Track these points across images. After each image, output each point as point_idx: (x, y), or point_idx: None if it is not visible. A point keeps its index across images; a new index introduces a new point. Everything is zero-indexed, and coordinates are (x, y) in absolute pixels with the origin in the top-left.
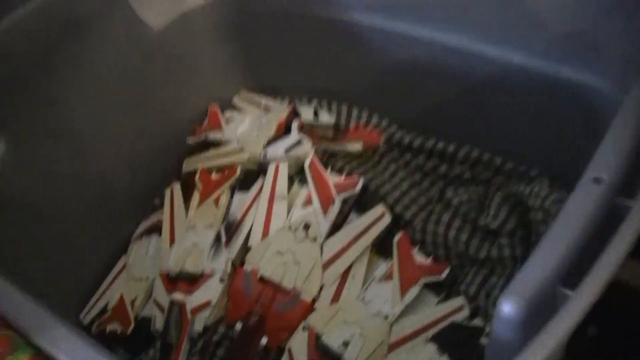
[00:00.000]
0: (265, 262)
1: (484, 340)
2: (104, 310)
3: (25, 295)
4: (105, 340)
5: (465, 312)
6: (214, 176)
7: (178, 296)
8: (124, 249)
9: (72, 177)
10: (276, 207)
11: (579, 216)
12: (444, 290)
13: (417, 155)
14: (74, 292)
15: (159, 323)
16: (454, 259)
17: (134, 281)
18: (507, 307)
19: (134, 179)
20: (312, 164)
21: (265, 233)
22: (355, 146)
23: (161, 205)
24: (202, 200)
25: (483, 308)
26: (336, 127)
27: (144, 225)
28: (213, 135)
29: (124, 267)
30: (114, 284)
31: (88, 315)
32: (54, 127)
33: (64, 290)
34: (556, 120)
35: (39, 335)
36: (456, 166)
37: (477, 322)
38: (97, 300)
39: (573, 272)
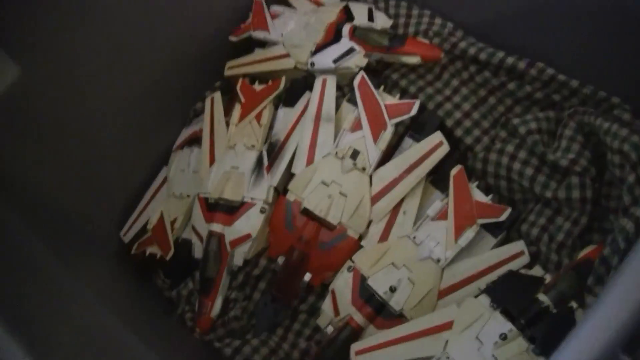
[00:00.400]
0: (309, 193)
1: (541, 297)
2: (144, 229)
3: None
4: (145, 262)
5: (525, 259)
6: (257, 87)
7: (217, 228)
8: (165, 160)
9: (106, 80)
10: (322, 130)
11: None
12: (502, 231)
13: (483, 70)
14: (115, 206)
15: (197, 252)
16: (517, 193)
17: (174, 198)
18: None
19: (174, 80)
20: (361, 83)
21: (310, 159)
22: (413, 59)
23: (203, 110)
24: (243, 115)
25: (544, 254)
26: (392, 35)
27: (185, 133)
28: (257, 34)
29: (164, 180)
30: (155, 198)
31: (128, 233)
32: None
33: (104, 206)
34: None
35: None
36: (526, 84)
37: (537, 270)
38: (138, 216)
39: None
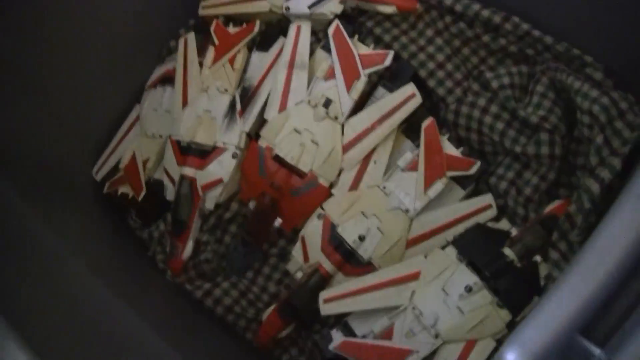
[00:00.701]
0: (281, 140)
1: (507, 251)
2: (116, 168)
3: None
4: (117, 201)
5: (493, 212)
6: (231, 30)
7: (189, 171)
8: (138, 97)
9: (77, 16)
10: (295, 77)
11: (616, 245)
12: (471, 183)
13: (458, 20)
14: (87, 144)
15: (169, 194)
16: (488, 145)
17: (146, 138)
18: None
19: (147, 16)
20: (336, 32)
21: (282, 106)
22: (388, 9)
23: (177, 48)
24: (217, 58)
25: (511, 208)
26: None
27: (158, 71)
28: None
29: (137, 118)
30: (127, 137)
31: (100, 171)
32: None
33: (76, 145)
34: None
35: None
36: (500, 37)
37: (503, 224)
38: (110, 155)
39: (601, 320)
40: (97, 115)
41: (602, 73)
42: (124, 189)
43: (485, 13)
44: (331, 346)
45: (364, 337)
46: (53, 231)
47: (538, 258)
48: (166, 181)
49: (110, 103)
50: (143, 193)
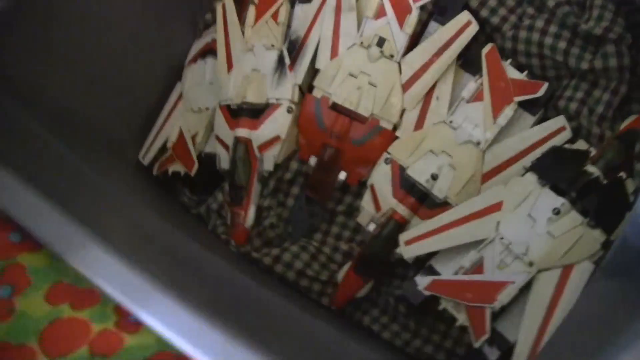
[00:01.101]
0: (337, 87)
1: (590, 168)
2: (163, 148)
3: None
4: (169, 182)
5: (567, 134)
6: None
7: (243, 133)
8: (178, 75)
9: None
10: (344, 21)
11: None
12: (540, 108)
13: None
14: (129, 129)
15: (224, 162)
16: (550, 69)
17: (192, 113)
18: None
19: None
20: None
21: (334, 52)
22: None
23: (214, 21)
24: (259, 16)
25: (585, 128)
26: None
27: (197, 46)
28: None
29: (180, 96)
30: (172, 116)
31: (147, 154)
32: None
33: (117, 129)
34: None
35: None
36: None
37: (580, 144)
38: (156, 136)
39: None
40: (139, 96)
41: None
42: (174, 168)
43: None
44: (421, 286)
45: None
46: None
47: (623, 174)
48: (219, 149)
49: (151, 83)
50: (196, 166)
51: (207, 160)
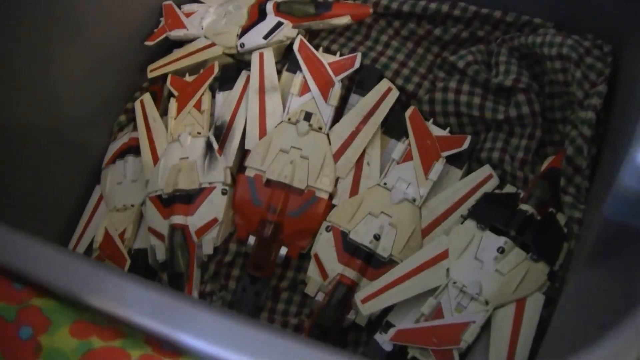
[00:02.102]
0: (269, 164)
1: (523, 207)
2: (88, 251)
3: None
4: None
5: (495, 181)
6: (189, 79)
7: (178, 220)
8: (96, 179)
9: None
10: (269, 101)
11: None
12: (465, 161)
13: (406, 23)
14: (48, 237)
15: (159, 253)
16: (468, 126)
17: (116, 212)
18: None
19: (90, 98)
20: (301, 46)
21: (262, 131)
22: (343, 20)
23: (128, 122)
24: (180, 108)
25: (510, 174)
26: (317, 2)
27: (113, 148)
28: (175, 34)
29: (100, 198)
30: (94, 218)
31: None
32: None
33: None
34: None
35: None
36: (450, 28)
37: (509, 189)
38: (78, 240)
39: None
40: (58, 202)
41: (554, 29)
42: None
43: (433, 5)
44: (386, 339)
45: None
46: None
47: (552, 210)
48: (154, 240)
49: (68, 188)
50: (128, 263)
51: (138, 256)
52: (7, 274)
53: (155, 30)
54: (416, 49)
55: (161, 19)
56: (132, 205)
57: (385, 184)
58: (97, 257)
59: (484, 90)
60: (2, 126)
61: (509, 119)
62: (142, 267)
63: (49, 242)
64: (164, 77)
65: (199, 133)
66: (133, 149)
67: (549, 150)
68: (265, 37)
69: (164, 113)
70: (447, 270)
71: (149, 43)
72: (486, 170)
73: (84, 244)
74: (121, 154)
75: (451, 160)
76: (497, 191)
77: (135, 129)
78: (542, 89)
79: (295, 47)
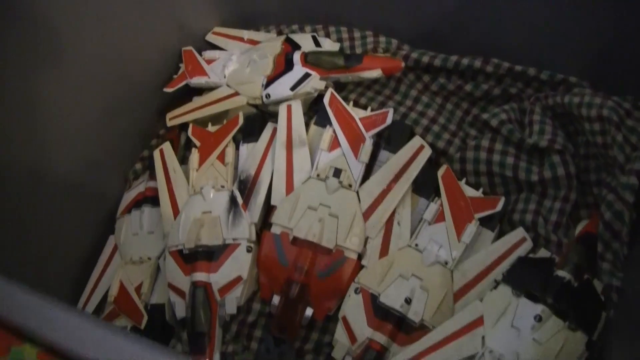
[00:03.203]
0: (297, 221)
1: (560, 273)
2: (101, 304)
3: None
4: None
5: (529, 244)
6: (211, 129)
7: (201, 277)
8: (109, 228)
9: (34, 148)
10: (297, 155)
11: None
12: (497, 223)
13: (436, 77)
14: (60, 290)
15: (180, 310)
16: (499, 186)
17: (132, 264)
18: None
19: (105, 145)
20: (332, 100)
21: (289, 187)
22: (374, 74)
23: (144, 171)
24: (203, 160)
25: (543, 237)
26: (346, 54)
27: (128, 197)
28: (196, 81)
29: (114, 249)
30: (108, 269)
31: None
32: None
33: (47, 287)
34: (597, 15)
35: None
36: (482, 84)
37: (543, 253)
38: (91, 292)
39: None
40: (70, 254)
41: (590, 89)
42: (119, 323)
43: (465, 61)
44: None
45: None
46: None
47: (588, 276)
48: (174, 297)
49: (81, 239)
50: (145, 319)
51: (155, 312)
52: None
53: (175, 76)
54: (445, 104)
55: (181, 64)
56: (149, 258)
57: (416, 245)
58: (112, 312)
59: (517, 149)
60: (12, 173)
61: (543, 181)
62: (159, 323)
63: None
64: (181, 124)
65: (222, 186)
66: (149, 199)
67: (582, 213)
68: (292, 89)
69: (181, 162)
70: (483, 338)
71: (168, 90)
72: (519, 233)
73: (97, 297)
74: (137, 204)
75: (483, 222)
76: (531, 255)
77: (151, 177)
78: (577, 150)
79: (326, 100)
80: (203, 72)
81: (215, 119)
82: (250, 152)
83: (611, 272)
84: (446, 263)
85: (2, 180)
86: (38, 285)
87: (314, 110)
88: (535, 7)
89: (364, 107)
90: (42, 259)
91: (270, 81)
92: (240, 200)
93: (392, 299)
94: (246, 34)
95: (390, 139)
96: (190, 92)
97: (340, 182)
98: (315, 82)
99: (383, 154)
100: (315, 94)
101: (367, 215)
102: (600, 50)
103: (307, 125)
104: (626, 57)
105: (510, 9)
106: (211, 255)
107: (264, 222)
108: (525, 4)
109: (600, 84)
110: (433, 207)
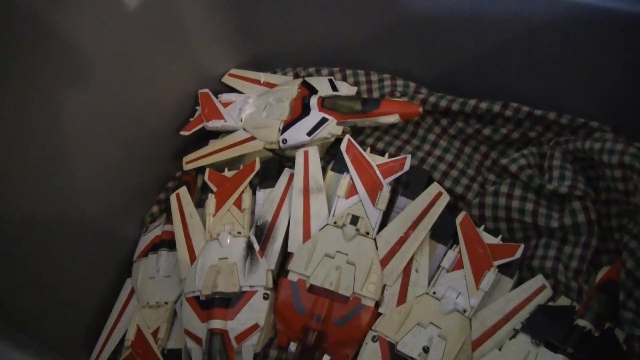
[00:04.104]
0: (314, 269)
1: (581, 322)
2: (118, 348)
3: None
4: None
5: (548, 292)
6: (228, 174)
7: (217, 324)
8: (126, 271)
9: (47, 191)
10: (314, 202)
11: None
12: (516, 269)
13: (454, 121)
14: (77, 333)
15: (196, 357)
16: (518, 231)
17: (149, 308)
18: None
19: (121, 188)
20: (349, 146)
21: (306, 234)
22: (391, 119)
23: (160, 214)
24: (220, 205)
25: (564, 284)
26: (364, 99)
27: (145, 240)
28: (212, 125)
29: (131, 292)
30: (125, 313)
31: (101, 356)
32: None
33: (65, 333)
34: (620, 61)
35: None
36: (500, 128)
37: (563, 300)
38: (108, 336)
39: None
40: (86, 298)
41: (612, 134)
42: None
43: (484, 105)
44: None
45: None
46: None
47: (610, 325)
48: (190, 343)
49: (100, 282)
50: None
51: (172, 357)
52: None
53: (191, 119)
54: (464, 147)
55: (197, 107)
56: (166, 303)
57: (434, 292)
58: (129, 356)
59: (536, 195)
60: (28, 216)
61: (563, 227)
62: None
63: None
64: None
65: (239, 233)
66: (166, 242)
67: (604, 259)
68: (309, 134)
69: (197, 205)
70: None
71: (184, 133)
72: (539, 280)
73: (114, 340)
74: (154, 247)
75: (502, 268)
76: (551, 303)
77: (167, 220)
78: (598, 195)
79: (343, 147)
80: (219, 116)
81: (232, 162)
82: (267, 198)
83: (634, 321)
84: (464, 311)
85: (22, 223)
86: (55, 329)
87: (332, 155)
88: (555, 54)
89: (382, 153)
90: (60, 302)
91: (287, 126)
92: (256, 246)
93: (409, 347)
94: (263, 76)
95: (408, 184)
96: (206, 134)
97: (358, 230)
98: (332, 127)
99: (401, 200)
100: (333, 139)
101: (384, 262)
102: (621, 95)
103: (324, 169)
104: None
105: (531, 54)
106: (228, 302)
107: (281, 268)
108: (545, 49)
109: (622, 128)
110: (451, 254)
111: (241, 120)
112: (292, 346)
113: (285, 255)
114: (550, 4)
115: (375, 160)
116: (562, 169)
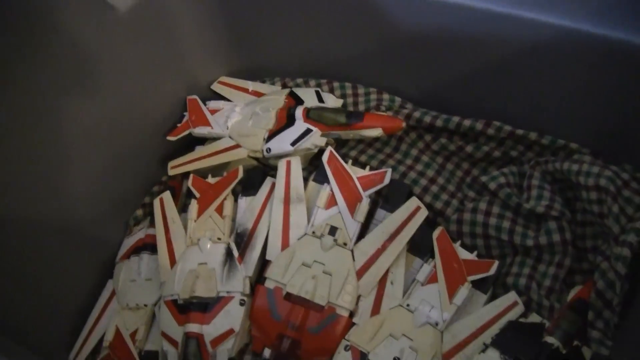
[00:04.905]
0: (291, 277)
1: (549, 339)
2: (96, 349)
3: None
4: None
5: (520, 308)
6: (211, 180)
7: (194, 328)
8: (108, 272)
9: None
10: (294, 211)
11: None
12: (490, 285)
13: (438, 137)
14: (56, 331)
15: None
16: (495, 248)
17: (129, 310)
18: None
19: (107, 191)
20: (331, 158)
21: (285, 243)
22: (374, 132)
23: (145, 217)
24: (201, 211)
25: (536, 302)
26: (348, 111)
27: (128, 242)
28: (199, 131)
29: (112, 293)
30: (105, 313)
31: (79, 355)
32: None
33: (44, 332)
34: (602, 86)
35: None
36: (483, 145)
37: (534, 317)
38: (88, 336)
39: None
40: (67, 296)
41: (590, 156)
42: None
43: (467, 122)
44: None
45: None
46: None
47: (578, 343)
48: (167, 346)
49: (80, 282)
50: None
51: (149, 359)
52: None
53: (178, 124)
54: (446, 164)
55: (185, 113)
56: (145, 305)
57: (408, 305)
58: (106, 356)
59: (514, 214)
60: (12, 217)
61: (538, 246)
62: None
63: None
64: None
65: (219, 239)
66: (149, 246)
67: (577, 278)
68: (293, 144)
69: (182, 209)
70: None
71: (171, 138)
72: (512, 297)
73: (93, 340)
74: (136, 250)
75: (476, 284)
76: (521, 320)
77: (151, 224)
78: (574, 216)
79: (325, 159)
80: (206, 122)
81: (216, 170)
82: (248, 206)
83: (601, 340)
84: (437, 324)
85: (3, 223)
86: (35, 328)
87: (315, 166)
88: (539, 76)
89: (364, 166)
90: (41, 300)
91: (271, 135)
92: (236, 253)
93: (381, 357)
94: (251, 85)
95: (388, 197)
96: (193, 140)
97: (335, 240)
98: (316, 138)
99: (380, 212)
100: (316, 150)
101: (360, 273)
102: (602, 118)
103: (306, 180)
104: (630, 126)
105: (515, 77)
106: (205, 306)
107: (259, 276)
108: (529, 71)
109: (601, 152)
110: (426, 268)
111: (227, 128)
112: (267, 352)
113: (264, 263)
114: (535, 28)
115: (356, 172)
116: (540, 188)
